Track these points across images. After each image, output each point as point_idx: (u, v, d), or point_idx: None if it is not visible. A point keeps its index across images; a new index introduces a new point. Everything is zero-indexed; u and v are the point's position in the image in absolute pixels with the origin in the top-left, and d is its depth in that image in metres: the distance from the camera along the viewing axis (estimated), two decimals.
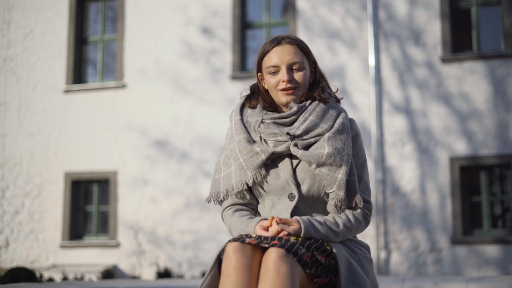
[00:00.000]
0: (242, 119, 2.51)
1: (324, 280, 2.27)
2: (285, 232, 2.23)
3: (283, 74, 2.43)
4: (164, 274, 10.92)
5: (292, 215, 2.37)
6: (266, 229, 2.27)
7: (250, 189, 2.47)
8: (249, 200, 2.48)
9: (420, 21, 10.96)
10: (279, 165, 2.41)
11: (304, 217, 2.31)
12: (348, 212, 2.40)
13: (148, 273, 11.58)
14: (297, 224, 2.27)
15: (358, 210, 2.41)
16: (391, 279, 5.83)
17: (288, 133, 2.40)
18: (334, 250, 2.27)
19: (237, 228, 2.41)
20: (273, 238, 2.21)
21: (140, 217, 11.80)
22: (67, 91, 12.47)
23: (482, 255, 10.24)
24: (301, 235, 2.26)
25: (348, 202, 2.38)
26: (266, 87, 2.53)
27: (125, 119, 12.08)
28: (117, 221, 11.91)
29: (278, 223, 2.25)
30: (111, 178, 12.05)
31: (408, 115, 10.81)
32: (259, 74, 2.54)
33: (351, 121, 2.51)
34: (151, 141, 11.91)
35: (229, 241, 2.23)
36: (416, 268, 10.48)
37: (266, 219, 2.35)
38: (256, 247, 2.20)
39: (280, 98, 2.46)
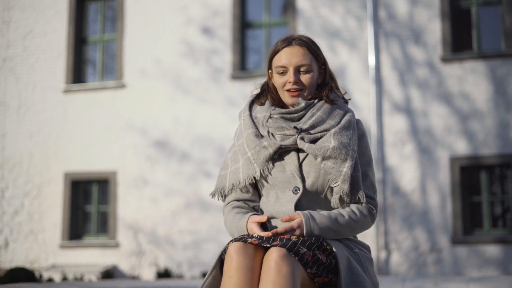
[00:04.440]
0: (251, 115, 2.55)
1: (324, 280, 2.27)
2: (285, 228, 2.25)
3: (290, 76, 2.47)
4: (164, 274, 10.92)
5: (295, 207, 2.39)
6: (258, 224, 2.31)
7: (254, 185, 2.50)
8: (252, 196, 2.51)
9: (420, 20, 10.94)
10: (285, 158, 2.45)
11: (306, 211, 2.32)
12: (353, 206, 2.42)
13: (148, 273, 11.57)
14: (298, 218, 2.29)
15: (363, 205, 2.42)
16: (391, 279, 5.81)
17: (295, 127, 2.43)
18: (334, 250, 2.27)
19: (231, 223, 2.44)
20: (274, 238, 2.21)
21: (140, 217, 11.79)
22: (67, 91, 12.46)
23: (483, 255, 10.22)
24: (304, 230, 2.27)
25: (351, 197, 2.39)
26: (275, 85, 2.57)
27: (125, 119, 12.06)
28: (117, 221, 11.89)
29: (283, 221, 2.30)
30: (111, 178, 12.03)
31: (409, 115, 10.80)
32: (269, 71, 2.58)
33: (358, 121, 2.55)
34: (151, 141, 11.89)
35: (231, 241, 2.23)
36: (416, 268, 10.46)
37: (257, 214, 2.37)
38: (258, 247, 2.20)
39: (286, 98, 2.51)
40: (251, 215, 2.36)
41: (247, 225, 2.35)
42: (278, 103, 2.55)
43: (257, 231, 2.28)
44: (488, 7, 11.11)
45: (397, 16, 11.06)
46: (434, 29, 10.87)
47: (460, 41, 11.00)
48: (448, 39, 10.77)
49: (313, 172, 2.40)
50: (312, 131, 2.44)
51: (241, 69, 11.73)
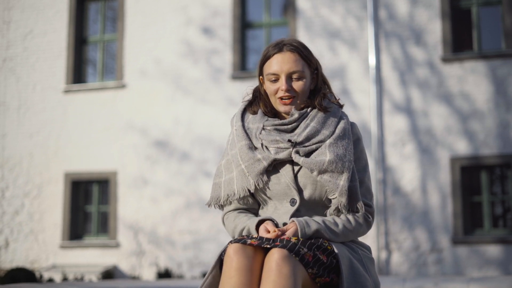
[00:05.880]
0: (243, 126, 2.50)
1: (326, 280, 2.27)
2: (285, 236, 2.24)
3: (282, 83, 2.42)
4: (164, 274, 10.91)
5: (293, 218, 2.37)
6: (268, 232, 2.28)
7: (252, 195, 2.47)
8: (251, 205, 2.49)
9: (420, 20, 10.94)
10: (280, 170, 2.41)
11: (301, 218, 2.31)
12: (349, 215, 2.40)
13: (148, 274, 11.57)
14: (293, 226, 2.28)
15: (359, 213, 2.41)
16: (392, 279, 5.81)
17: (289, 140, 2.39)
18: (335, 250, 2.27)
19: (241, 224, 2.40)
20: (274, 239, 2.21)
21: (140, 217, 11.78)
22: (67, 91, 12.46)
23: (483, 255, 10.22)
24: (299, 235, 2.26)
25: (350, 208, 2.38)
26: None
27: (125, 119, 12.06)
28: (117, 221, 11.89)
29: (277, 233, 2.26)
30: (111, 178, 12.03)
31: (409, 115, 10.79)
32: (260, 77, 2.53)
33: (353, 125, 2.51)
34: (151, 141, 11.89)
35: (230, 242, 2.23)
36: (417, 268, 10.46)
37: (271, 219, 2.35)
38: (257, 248, 2.20)
39: (278, 106, 2.46)
40: (268, 220, 2.33)
41: (258, 225, 2.33)
42: (271, 110, 2.51)
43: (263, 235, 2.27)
44: (488, 7, 11.11)
45: (397, 16, 11.06)
46: (434, 29, 10.86)
47: (460, 41, 11.00)
48: (448, 39, 10.76)
49: (310, 184, 2.38)
50: (306, 144, 2.40)
51: (241, 69, 11.73)
